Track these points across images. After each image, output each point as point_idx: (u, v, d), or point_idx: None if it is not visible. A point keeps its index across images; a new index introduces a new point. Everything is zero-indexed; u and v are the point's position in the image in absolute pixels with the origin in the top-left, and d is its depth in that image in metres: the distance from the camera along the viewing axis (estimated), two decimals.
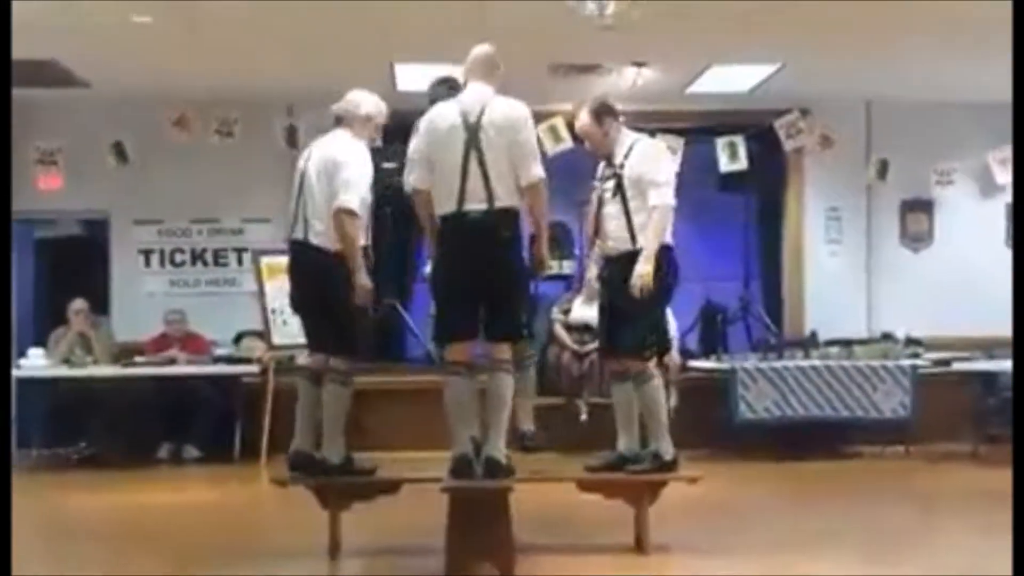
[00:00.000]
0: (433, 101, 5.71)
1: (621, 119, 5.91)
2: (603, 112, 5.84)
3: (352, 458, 5.70)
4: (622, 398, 5.86)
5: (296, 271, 5.75)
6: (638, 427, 5.84)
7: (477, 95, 5.44)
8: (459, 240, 5.34)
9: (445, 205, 5.34)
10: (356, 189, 5.51)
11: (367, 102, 5.80)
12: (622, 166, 5.74)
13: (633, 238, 5.67)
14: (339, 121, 5.79)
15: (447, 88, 5.88)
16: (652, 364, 5.80)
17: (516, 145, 5.32)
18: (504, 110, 5.37)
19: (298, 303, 5.80)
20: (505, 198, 5.29)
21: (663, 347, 6.02)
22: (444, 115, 5.43)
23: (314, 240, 5.59)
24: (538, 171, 5.36)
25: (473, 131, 5.29)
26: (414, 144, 5.58)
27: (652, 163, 5.75)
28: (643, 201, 5.66)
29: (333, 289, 5.51)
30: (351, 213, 5.46)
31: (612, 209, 5.74)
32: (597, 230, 5.85)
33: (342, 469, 5.62)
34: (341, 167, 5.53)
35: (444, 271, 5.46)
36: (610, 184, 5.77)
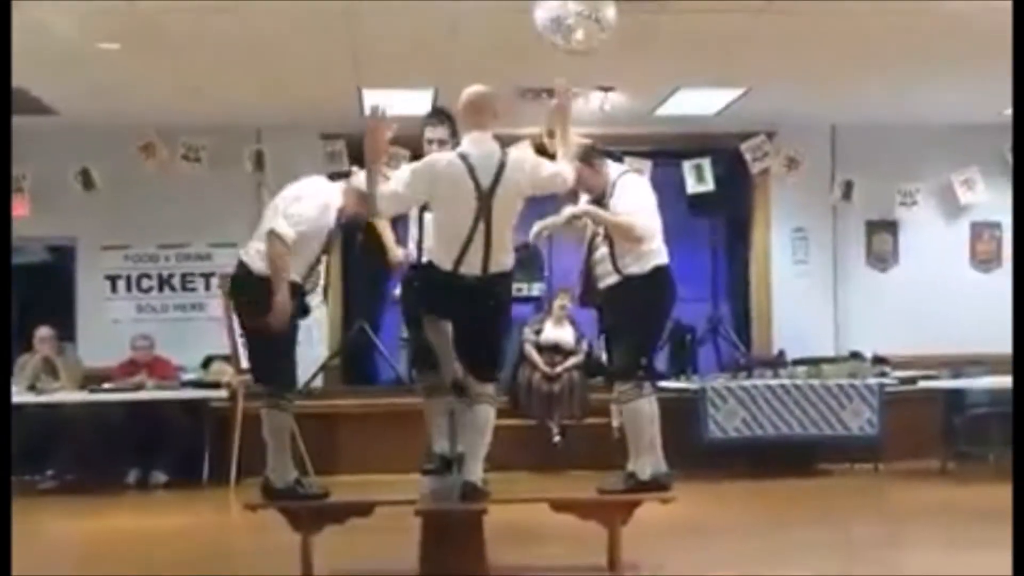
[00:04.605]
0: (430, 142, 5.66)
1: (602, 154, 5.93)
2: (591, 155, 5.84)
3: (301, 482, 5.70)
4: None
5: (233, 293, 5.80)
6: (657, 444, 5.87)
7: (484, 150, 5.30)
8: (450, 294, 5.34)
9: (443, 262, 5.31)
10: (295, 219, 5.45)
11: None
12: (605, 205, 5.78)
13: (618, 271, 5.72)
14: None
15: (445, 125, 5.71)
16: (643, 385, 5.80)
17: (539, 178, 5.36)
18: (518, 166, 5.31)
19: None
20: (501, 264, 5.32)
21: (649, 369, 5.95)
22: (453, 173, 5.24)
23: (244, 258, 5.60)
24: (566, 168, 5.45)
25: (486, 198, 5.22)
26: (408, 180, 5.31)
27: (630, 198, 5.78)
28: (627, 240, 5.70)
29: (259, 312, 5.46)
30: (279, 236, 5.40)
31: (604, 250, 5.78)
32: (589, 271, 5.89)
33: (288, 494, 5.57)
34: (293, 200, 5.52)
35: (428, 310, 5.49)
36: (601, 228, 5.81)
